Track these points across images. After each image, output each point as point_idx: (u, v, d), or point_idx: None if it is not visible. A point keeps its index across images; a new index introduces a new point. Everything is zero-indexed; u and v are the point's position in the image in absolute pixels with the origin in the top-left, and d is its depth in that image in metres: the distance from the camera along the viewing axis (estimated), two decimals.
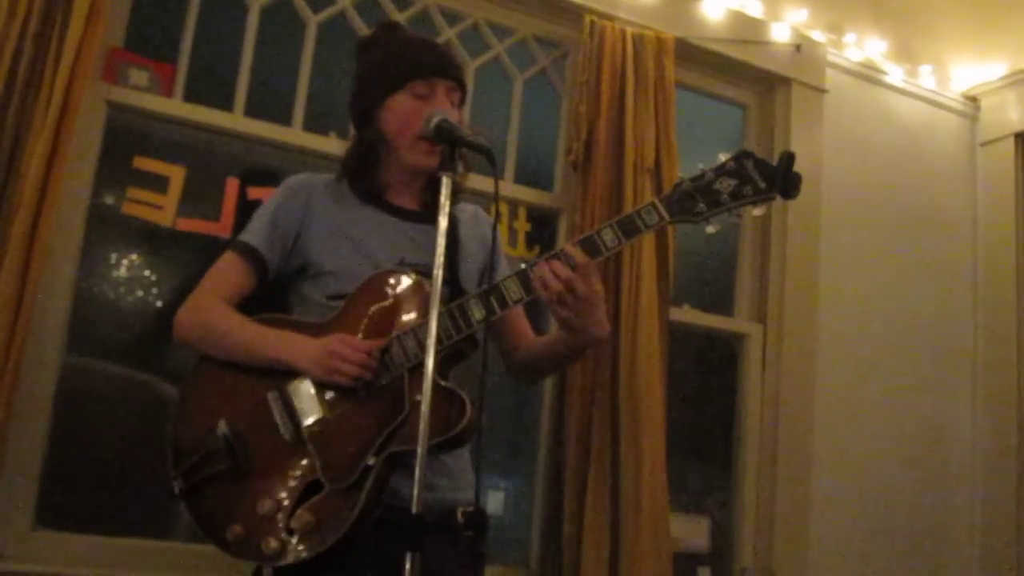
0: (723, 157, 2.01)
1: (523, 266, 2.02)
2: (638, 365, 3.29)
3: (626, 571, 3.15)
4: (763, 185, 1.96)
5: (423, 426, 1.70)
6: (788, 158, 1.96)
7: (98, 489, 2.89)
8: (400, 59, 2.22)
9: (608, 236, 1.99)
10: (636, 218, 2.00)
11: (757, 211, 2.01)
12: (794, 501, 3.72)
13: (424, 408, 1.72)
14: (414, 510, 1.66)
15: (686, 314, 3.78)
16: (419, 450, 1.68)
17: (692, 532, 3.56)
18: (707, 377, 3.93)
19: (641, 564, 3.15)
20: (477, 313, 1.99)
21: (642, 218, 1.99)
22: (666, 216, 2.00)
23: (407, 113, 2.17)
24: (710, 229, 2.02)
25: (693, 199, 1.99)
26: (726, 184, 1.98)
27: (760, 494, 3.74)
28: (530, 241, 3.55)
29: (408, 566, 1.63)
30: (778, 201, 2.01)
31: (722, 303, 3.94)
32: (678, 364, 3.63)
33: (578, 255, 1.97)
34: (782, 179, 1.95)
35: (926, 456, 4.13)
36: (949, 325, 4.30)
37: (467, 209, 2.39)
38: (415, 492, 1.67)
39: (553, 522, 3.25)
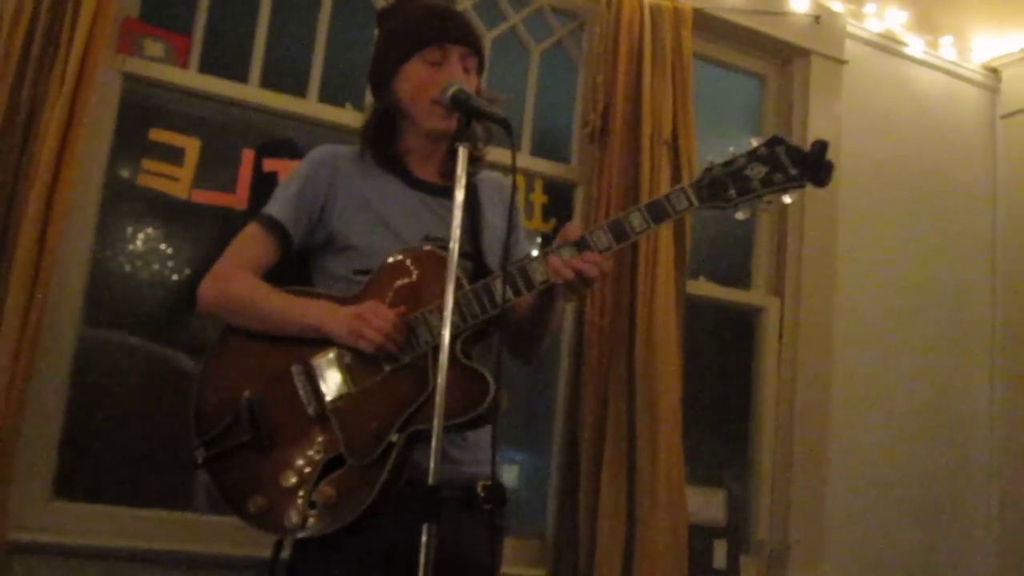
0: (755, 142, 2.00)
1: (546, 250, 2.01)
2: (654, 338, 3.28)
3: (642, 544, 3.15)
4: (795, 172, 1.97)
5: (438, 399, 1.69)
6: (821, 146, 1.96)
7: (116, 460, 2.91)
8: (414, 26, 2.21)
9: (636, 220, 1.99)
10: (665, 203, 1.99)
11: (787, 198, 2.00)
12: (810, 474, 3.72)
13: (440, 381, 1.71)
14: (430, 482, 1.66)
15: (703, 287, 3.77)
16: (435, 423, 1.68)
17: (708, 505, 3.55)
18: (724, 350, 3.93)
19: (657, 537, 3.15)
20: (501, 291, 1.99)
21: (671, 203, 1.99)
22: (695, 202, 1.99)
23: (420, 80, 2.16)
24: (739, 216, 2.02)
25: (723, 185, 1.99)
26: (757, 170, 1.98)
27: (776, 467, 3.74)
28: (546, 213, 3.54)
29: (425, 538, 1.63)
30: (809, 187, 1.99)
31: (739, 276, 3.92)
32: (695, 337, 3.60)
33: (597, 253, 1.97)
34: (814, 166, 1.95)
35: (943, 430, 4.12)
36: (967, 298, 4.28)
37: (490, 177, 2.36)
38: (432, 465, 1.66)
39: (569, 495, 3.26)
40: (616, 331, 3.29)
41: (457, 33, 2.21)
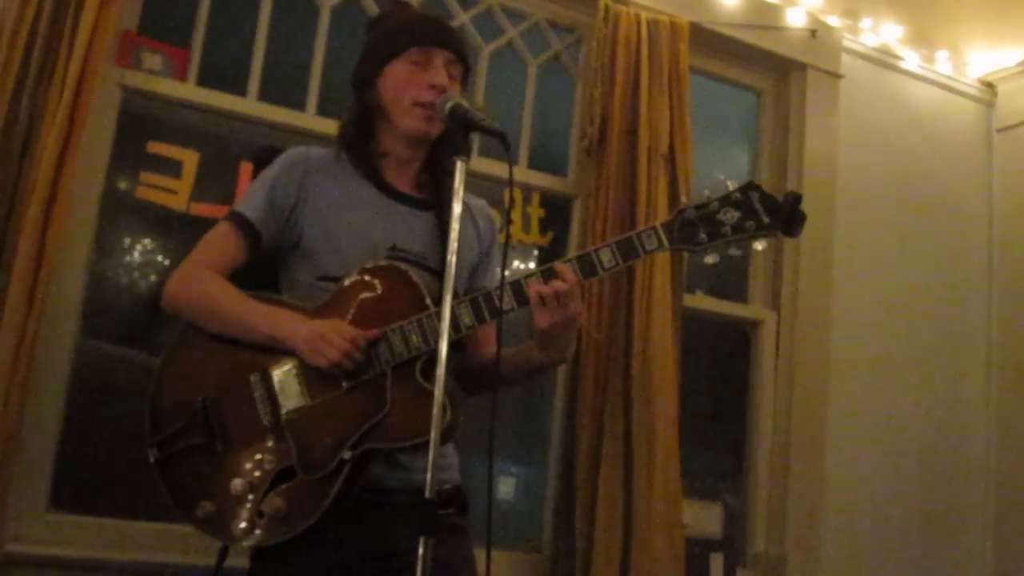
0: (731, 186, 1.98)
1: (514, 279, 2.00)
2: (651, 351, 3.28)
3: (639, 557, 3.15)
4: (767, 220, 1.95)
5: (436, 411, 1.67)
6: (795, 197, 1.95)
7: (112, 472, 2.90)
8: (400, 29, 2.21)
9: (606, 256, 1.97)
10: (635, 241, 1.97)
11: (758, 245, 1.99)
12: (807, 488, 3.72)
13: (437, 393, 1.68)
14: (427, 495, 1.64)
15: (700, 301, 3.77)
16: (432, 435, 1.66)
17: (705, 518, 3.56)
18: (720, 364, 3.93)
19: (654, 550, 3.15)
20: (466, 318, 1.97)
21: (642, 242, 1.97)
22: (666, 243, 1.97)
23: (403, 78, 2.15)
24: (708, 260, 2.00)
25: (695, 228, 1.96)
26: (730, 215, 1.96)
27: (773, 480, 3.73)
28: (543, 227, 3.54)
29: (421, 551, 1.62)
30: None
31: (736, 290, 3.93)
32: (691, 351, 3.61)
33: (568, 275, 1.94)
34: (787, 216, 1.95)
35: (939, 443, 4.12)
36: (964, 312, 4.28)
37: (476, 203, 2.34)
38: (428, 477, 1.64)
39: (566, 508, 3.25)
40: (613, 344, 3.30)
41: (442, 38, 2.20)
